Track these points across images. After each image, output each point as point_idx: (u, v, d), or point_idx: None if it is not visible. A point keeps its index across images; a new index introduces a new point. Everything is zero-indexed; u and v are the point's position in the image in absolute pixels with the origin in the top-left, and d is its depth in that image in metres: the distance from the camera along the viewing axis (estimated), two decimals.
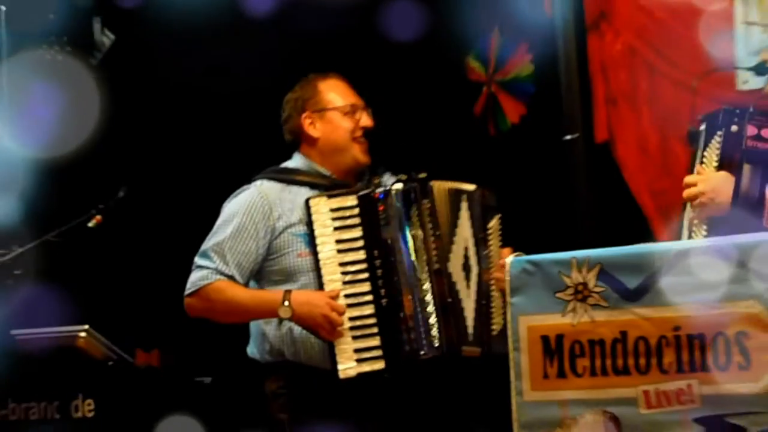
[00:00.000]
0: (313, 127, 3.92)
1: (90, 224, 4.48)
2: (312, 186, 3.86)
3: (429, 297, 3.73)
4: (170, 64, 5.76)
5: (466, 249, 3.81)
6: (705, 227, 3.44)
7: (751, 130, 3.44)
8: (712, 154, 3.50)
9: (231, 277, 3.76)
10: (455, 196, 3.84)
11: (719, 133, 3.49)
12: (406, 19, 5.94)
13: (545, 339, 3.28)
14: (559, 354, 3.26)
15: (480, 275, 3.80)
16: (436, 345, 3.69)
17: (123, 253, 5.22)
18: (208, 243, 3.82)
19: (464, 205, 3.83)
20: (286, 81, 4.04)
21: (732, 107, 3.54)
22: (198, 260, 3.81)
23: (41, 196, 5.09)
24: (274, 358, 3.81)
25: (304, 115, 3.93)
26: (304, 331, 3.73)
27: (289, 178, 3.90)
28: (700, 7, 5.32)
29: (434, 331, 3.70)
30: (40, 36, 5.35)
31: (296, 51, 5.52)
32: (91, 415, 4.18)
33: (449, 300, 3.74)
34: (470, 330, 3.76)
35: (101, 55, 5.48)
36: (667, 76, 5.46)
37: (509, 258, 3.38)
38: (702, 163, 3.52)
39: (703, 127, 3.61)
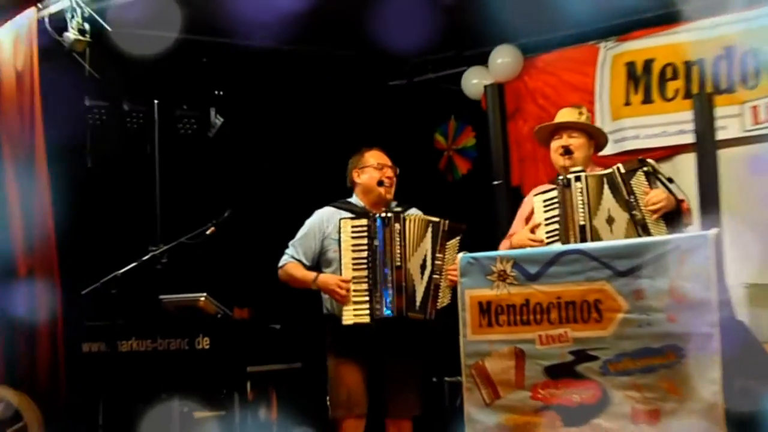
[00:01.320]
0: (358, 177, 4.00)
1: (207, 232, 4.42)
2: (352, 212, 3.92)
3: (390, 282, 3.72)
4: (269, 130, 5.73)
5: (425, 256, 3.77)
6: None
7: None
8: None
9: (300, 261, 3.93)
10: (424, 223, 3.80)
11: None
12: (401, 112, 6.04)
13: (480, 303, 3.30)
14: (488, 312, 3.28)
15: (431, 272, 3.76)
16: (389, 309, 3.71)
17: (227, 250, 5.18)
18: (293, 240, 3.98)
19: (429, 230, 3.78)
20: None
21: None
22: (287, 249, 3.98)
23: (180, 214, 5.12)
24: (327, 311, 3.92)
25: (354, 171, 4.02)
26: None
27: (342, 206, 3.97)
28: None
29: (390, 302, 3.71)
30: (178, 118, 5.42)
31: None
32: (208, 347, 4.14)
33: (404, 284, 3.71)
34: (417, 303, 3.73)
35: (215, 130, 5.51)
36: None
37: (460, 255, 3.39)
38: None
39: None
